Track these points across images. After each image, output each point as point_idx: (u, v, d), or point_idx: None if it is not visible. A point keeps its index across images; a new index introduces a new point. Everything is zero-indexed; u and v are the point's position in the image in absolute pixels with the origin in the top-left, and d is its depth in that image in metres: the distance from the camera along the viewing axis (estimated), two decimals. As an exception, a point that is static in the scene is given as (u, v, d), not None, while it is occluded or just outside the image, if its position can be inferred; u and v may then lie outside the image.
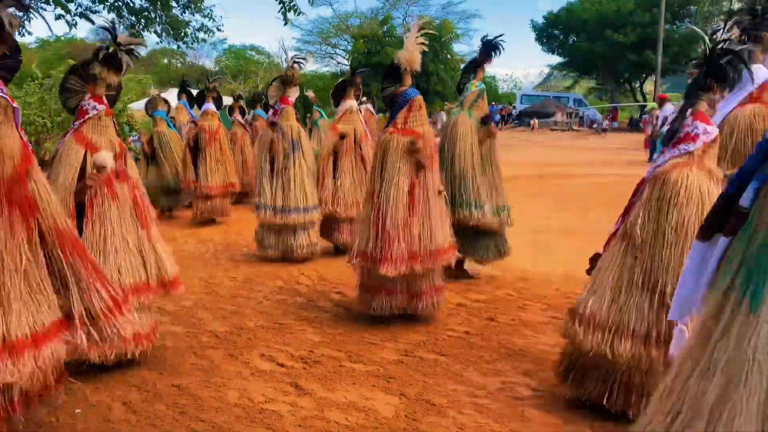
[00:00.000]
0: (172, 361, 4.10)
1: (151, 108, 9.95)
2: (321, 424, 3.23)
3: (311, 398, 3.53)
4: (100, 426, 3.24)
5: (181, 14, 8.07)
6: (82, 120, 3.93)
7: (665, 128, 13.79)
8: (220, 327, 4.78)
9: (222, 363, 4.06)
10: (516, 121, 40.28)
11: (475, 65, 5.84)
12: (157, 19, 7.77)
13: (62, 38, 38.48)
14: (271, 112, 7.41)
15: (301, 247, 6.74)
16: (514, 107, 42.40)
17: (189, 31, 8.28)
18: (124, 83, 8.97)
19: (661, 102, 16.01)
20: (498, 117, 41.54)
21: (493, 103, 41.99)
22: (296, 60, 6.88)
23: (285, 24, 7.31)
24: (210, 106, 8.89)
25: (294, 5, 7.06)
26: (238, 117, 10.99)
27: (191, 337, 4.56)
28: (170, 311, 5.19)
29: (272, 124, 6.84)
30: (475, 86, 5.76)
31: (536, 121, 33.32)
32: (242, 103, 11.63)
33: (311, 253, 6.85)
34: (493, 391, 3.59)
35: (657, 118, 17.21)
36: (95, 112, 3.91)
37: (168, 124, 10.01)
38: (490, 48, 5.71)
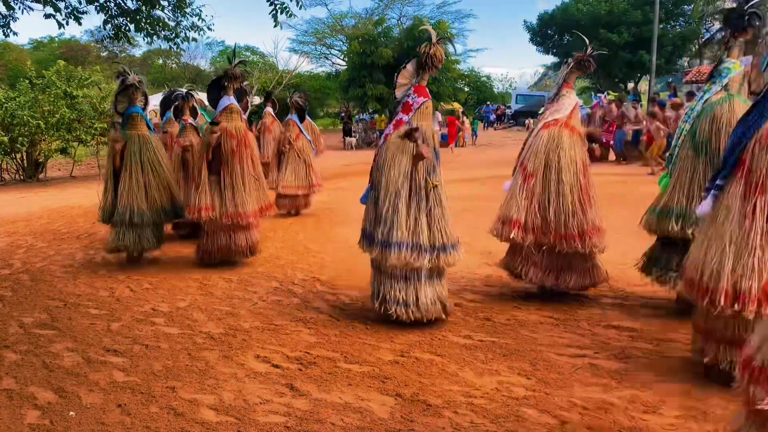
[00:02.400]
0: (166, 362, 4.09)
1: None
2: (316, 425, 3.23)
3: (307, 399, 3.52)
4: (95, 428, 3.22)
5: (173, 14, 8.02)
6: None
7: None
8: (215, 328, 4.76)
9: (217, 364, 4.05)
10: (511, 121, 40.32)
11: (727, 40, 4.66)
12: (145, 20, 7.72)
13: (56, 39, 38.43)
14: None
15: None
16: (509, 107, 42.44)
17: (179, 31, 8.22)
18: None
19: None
20: (493, 117, 41.61)
21: (488, 102, 42.07)
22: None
23: (275, 26, 7.26)
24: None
25: (285, 7, 7.02)
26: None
27: (186, 339, 4.54)
28: (165, 312, 5.18)
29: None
30: (738, 66, 4.65)
31: (531, 120, 33.37)
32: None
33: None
34: (489, 392, 3.59)
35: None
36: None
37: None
38: (740, 18, 4.47)
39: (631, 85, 17.35)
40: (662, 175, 5.06)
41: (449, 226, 4.65)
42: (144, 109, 7.06)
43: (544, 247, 5.05)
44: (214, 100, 6.63)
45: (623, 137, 16.53)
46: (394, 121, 4.73)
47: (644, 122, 15.52)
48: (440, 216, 4.61)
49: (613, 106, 17.22)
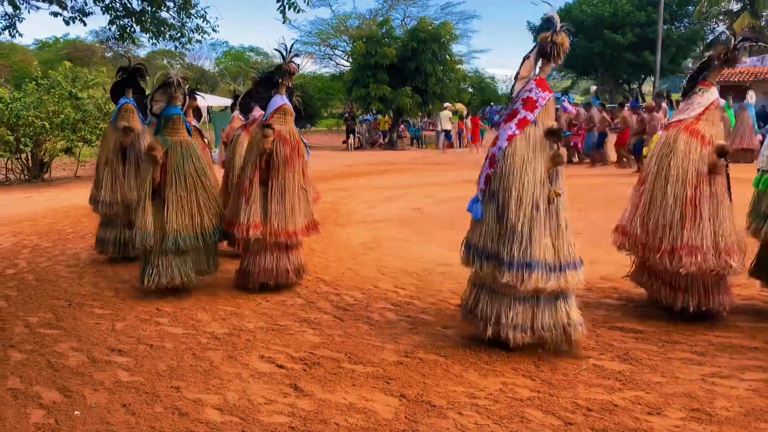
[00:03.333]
0: (171, 362, 4.10)
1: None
2: (321, 425, 3.23)
3: (311, 400, 3.53)
4: (99, 428, 3.23)
5: (177, 15, 8.04)
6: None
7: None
8: (219, 328, 4.77)
9: (221, 364, 4.06)
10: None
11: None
12: (150, 21, 7.74)
13: (61, 40, 38.58)
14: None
15: None
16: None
17: (184, 32, 8.24)
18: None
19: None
20: (497, 117, 41.55)
21: (492, 104, 42.03)
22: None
23: (284, 22, 7.25)
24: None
25: (293, 3, 7.02)
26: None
27: (190, 339, 4.55)
28: (169, 312, 5.19)
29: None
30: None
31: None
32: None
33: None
34: (493, 392, 3.59)
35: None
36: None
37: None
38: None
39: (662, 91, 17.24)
40: (758, 176, 4.84)
41: (572, 240, 4.13)
42: (185, 112, 6.89)
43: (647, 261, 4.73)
44: (263, 99, 5.85)
45: (592, 140, 16.63)
46: (517, 120, 4.09)
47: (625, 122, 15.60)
48: (564, 229, 4.09)
49: (581, 109, 17.35)
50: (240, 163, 6.14)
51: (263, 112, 6.81)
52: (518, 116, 4.10)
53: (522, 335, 4.03)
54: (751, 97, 16.77)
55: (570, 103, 18.87)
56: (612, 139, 16.70)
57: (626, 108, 16.04)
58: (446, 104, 26.83)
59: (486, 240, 4.08)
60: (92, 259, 7.25)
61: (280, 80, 5.73)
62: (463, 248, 4.29)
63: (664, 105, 14.43)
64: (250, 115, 7.09)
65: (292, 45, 5.80)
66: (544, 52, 4.14)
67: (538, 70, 4.21)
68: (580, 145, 17.26)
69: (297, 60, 5.82)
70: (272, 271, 5.66)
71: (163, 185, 5.47)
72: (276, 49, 5.89)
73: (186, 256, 5.53)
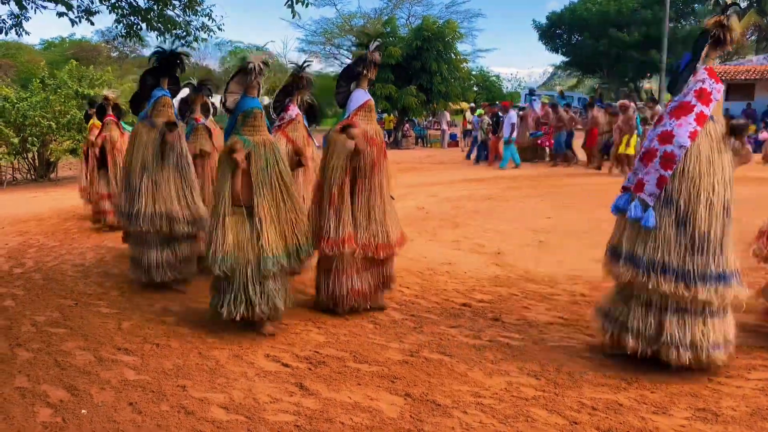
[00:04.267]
0: (177, 361, 4.11)
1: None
2: (326, 424, 3.24)
3: (316, 398, 3.54)
4: (106, 426, 3.25)
5: (183, 13, 8.06)
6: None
7: (514, 134, 13.84)
8: (225, 327, 4.78)
9: (227, 363, 4.07)
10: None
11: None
12: (157, 19, 7.75)
13: (67, 40, 38.71)
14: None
15: None
16: (517, 106, 42.32)
17: (190, 30, 8.26)
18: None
19: (505, 109, 16.32)
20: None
21: (497, 102, 41.97)
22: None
23: (293, 17, 7.26)
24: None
25: None
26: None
27: (196, 337, 4.56)
28: (175, 311, 5.21)
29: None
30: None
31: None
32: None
33: None
34: (498, 392, 3.59)
35: (488, 124, 17.69)
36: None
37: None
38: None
39: (647, 85, 17.26)
40: None
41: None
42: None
43: None
44: (343, 95, 5.14)
45: (561, 139, 16.69)
46: (694, 115, 3.65)
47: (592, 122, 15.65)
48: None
49: (549, 108, 17.42)
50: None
51: (299, 112, 6.32)
52: (694, 110, 3.66)
53: (681, 353, 3.63)
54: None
55: (539, 102, 19.02)
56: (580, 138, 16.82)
57: (595, 107, 16.07)
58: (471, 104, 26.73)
59: (662, 251, 3.63)
60: (98, 259, 7.28)
61: (364, 72, 5.03)
62: (612, 257, 3.92)
63: (633, 105, 14.51)
64: (285, 115, 6.35)
65: (378, 33, 5.31)
66: (714, 36, 3.74)
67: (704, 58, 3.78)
68: (547, 144, 17.39)
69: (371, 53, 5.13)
70: (366, 292, 5.01)
71: (246, 195, 4.54)
72: (362, 32, 5.53)
73: (273, 282, 4.54)
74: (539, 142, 17.54)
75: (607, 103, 18.18)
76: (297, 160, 5.93)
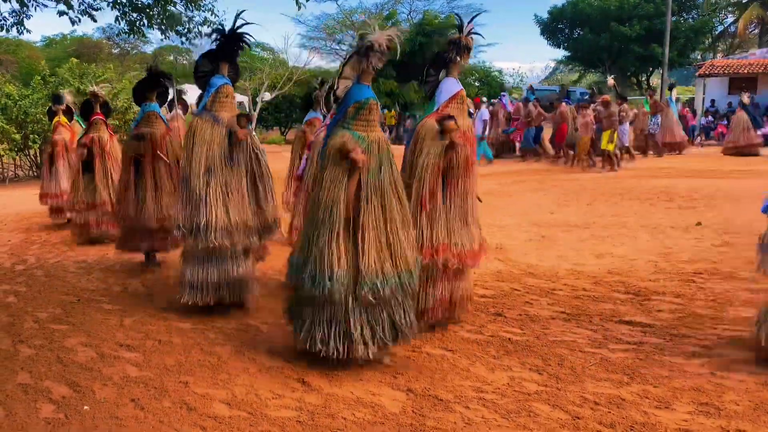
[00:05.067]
0: (179, 357, 4.11)
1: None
2: (328, 419, 3.24)
3: (318, 394, 3.54)
4: (108, 422, 3.25)
5: (185, 9, 8.04)
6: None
7: (486, 131, 13.67)
8: (227, 323, 4.78)
9: (229, 359, 4.07)
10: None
11: None
12: (158, 16, 7.74)
13: (68, 36, 38.67)
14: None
15: None
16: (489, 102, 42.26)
17: (191, 27, 8.25)
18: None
19: (476, 105, 16.30)
20: (512, 108, 41.42)
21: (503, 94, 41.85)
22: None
23: (299, 9, 7.26)
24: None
25: None
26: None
27: (198, 334, 4.57)
28: (177, 308, 5.20)
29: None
30: None
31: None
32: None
33: None
34: (500, 387, 3.59)
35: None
36: None
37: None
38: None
39: (611, 81, 17.36)
40: None
41: None
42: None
43: None
44: (432, 84, 4.53)
45: (530, 135, 16.71)
46: None
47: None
48: None
49: (520, 105, 17.44)
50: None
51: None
52: None
53: None
54: (674, 93, 18.16)
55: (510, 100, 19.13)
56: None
57: (563, 103, 16.08)
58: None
59: None
60: (100, 255, 7.29)
61: (457, 58, 4.38)
62: (764, 253, 3.73)
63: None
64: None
65: (475, 15, 4.56)
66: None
67: None
68: (518, 140, 17.49)
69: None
70: (448, 303, 4.49)
71: (352, 202, 3.75)
72: (455, 15, 4.70)
73: (383, 309, 3.76)
74: (511, 137, 17.62)
75: (536, 98, 18.18)
76: None
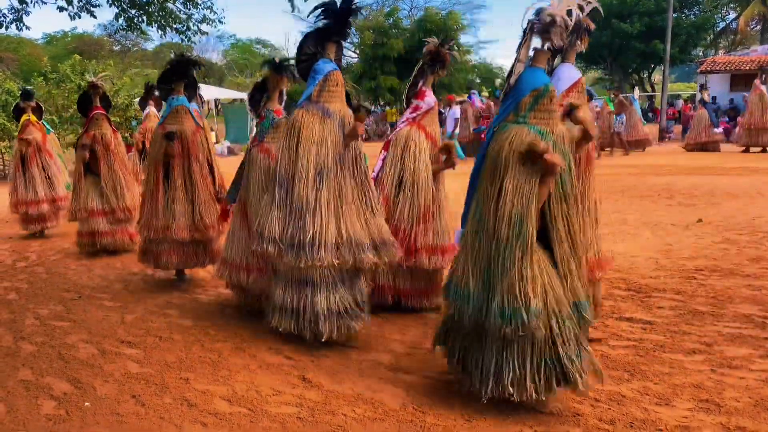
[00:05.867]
0: (180, 354, 4.12)
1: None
2: (328, 416, 3.24)
3: (319, 391, 3.54)
4: (110, 419, 3.26)
5: (184, 6, 8.05)
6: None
7: (457, 130, 13.54)
8: (228, 320, 4.79)
9: (230, 356, 4.08)
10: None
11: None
12: (157, 12, 7.74)
13: (69, 34, 38.68)
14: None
15: None
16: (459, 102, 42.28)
17: (191, 24, 8.25)
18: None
19: (449, 103, 16.24)
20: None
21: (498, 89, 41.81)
22: None
23: (293, 10, 7.26)
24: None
25: None
26: None
27: (199, 330, 4.57)
28: (177, 304, 5.22)
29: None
30: None
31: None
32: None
33: None
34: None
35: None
36: None
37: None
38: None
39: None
40: None
41: None
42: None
43: None
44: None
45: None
46: None
47: None
48: None
49: (490, 102, 17.42)
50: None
51: (436, 99, 4.96)
52: None
53: None
54: (636, 93, 19.45)
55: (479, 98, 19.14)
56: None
57: None
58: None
59: None
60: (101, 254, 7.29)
61: (576, 42, 3.87)
62: None
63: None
64: (420, 102, 4.90)
65: None
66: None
67: None
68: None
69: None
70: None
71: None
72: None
73: (572, 344, 3.09)
74: (482, 136, 17.62)
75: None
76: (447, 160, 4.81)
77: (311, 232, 3.86)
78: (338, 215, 3.97)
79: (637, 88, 19.16)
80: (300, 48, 4.19)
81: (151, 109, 9.31)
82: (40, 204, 8.20)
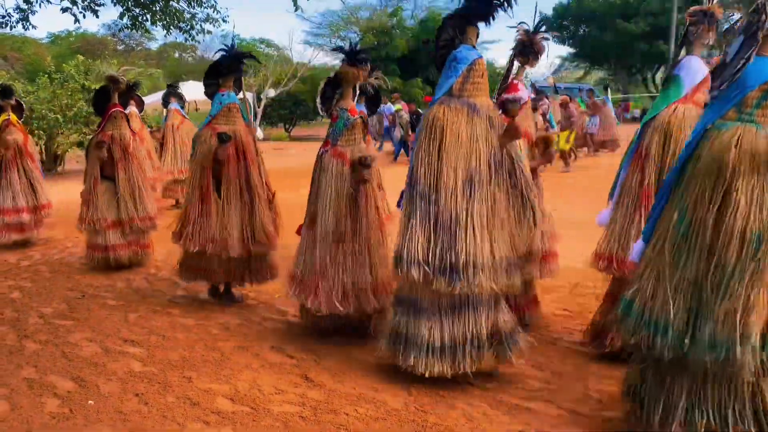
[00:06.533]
0: (183, 353, 4.13)
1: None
2: (331, 415, 3.25)
3: (321, 390, 3.55)
4: (113, 417, 3.27)
5: (188, 5, 8.08)
6: None
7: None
8: (230, 319, 4.80)
9: (232, 355, 4.09)
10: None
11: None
12: (161, 12, 7.77)
13: (73, 33, 38.77)
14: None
15: None
16: None
17: (194, 23, 8.27)
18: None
19: (426, 105, 16.24)
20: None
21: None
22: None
23: (296, 10, 7.27)
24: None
25: None
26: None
27: (202, 329, 4.59)
28: (181, 303, 5.23)
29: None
30: None
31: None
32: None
33: None
34: (503, 384, 3.59)
35: (407, 121, 17.90)
36: None
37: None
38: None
39: (550, 80, 18.07)
40: None
41: None
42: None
43: None
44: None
45: None
46: None
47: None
48: None
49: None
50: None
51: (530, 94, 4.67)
52: None
53: None
54: (608, 92, 19.44)
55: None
56: None
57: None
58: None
59: None
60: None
61: (707, 30, 3.64)
62: None
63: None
64: (516, 95, 4.40)
65: None
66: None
67: None
68: None
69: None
70: None
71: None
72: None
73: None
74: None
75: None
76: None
77: (464, 252, 3.27)
78: (491, 231, 3.36)
79: (609, 89, 19.14)
80: (439, 34, 3.63)
81: (132, 109, 8.48)
82: (21, 213, 7.39)
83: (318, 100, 4.28)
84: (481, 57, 3.55)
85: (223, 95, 4.97)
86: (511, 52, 4.42)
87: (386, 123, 15.56)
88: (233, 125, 4.94)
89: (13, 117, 7.53)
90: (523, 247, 3.51)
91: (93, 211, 6.23)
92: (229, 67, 4.94)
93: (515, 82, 4.38)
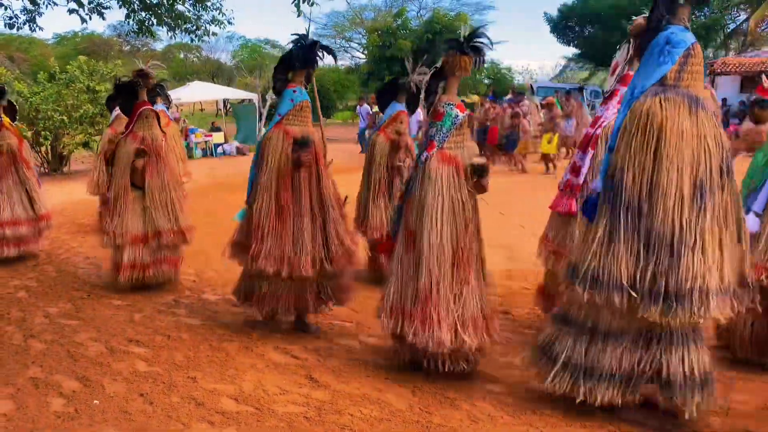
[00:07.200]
0: (188, 353, 4.14)
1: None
2: (335, 416, 3.25)
3: (325, 390, 3.55)
4: (118, 417, 3.28)
5: (193, 8, 8.09)
6: None
7: (420, 132, 13.17)
8: (235, 319, 4.81)
9: (237, 355, 4.10)
10: (531, 113, 39.92)
11: None
12: (167, 14, 7.79)
13: (79, 34, 38.90)
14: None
15: None
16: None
17: (200, 24, 8.29)
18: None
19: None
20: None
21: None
22: None
23: (298, 16, 7.26)
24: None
25: None
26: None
27: (207, 330, 4.60)
28: (186, 304, 5.24)
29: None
30: None
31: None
32: None
33: None
34: (508, 385, 3.59)
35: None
36: None
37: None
38: None
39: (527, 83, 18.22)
40: None
41: None
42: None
43: None
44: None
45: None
46: None
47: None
48: None
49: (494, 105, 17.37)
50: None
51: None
52: None
53: None
54: (586, 95, 19.93)
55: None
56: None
57: (488, 102, 15.90)
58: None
59: None
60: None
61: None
62: None
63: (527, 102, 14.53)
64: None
65: None
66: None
67: None
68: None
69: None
70: None
71: None
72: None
73: None
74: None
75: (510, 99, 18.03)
76: None
77: (690, 275, 2.77)
78: (723, 250, 2.86)
79: (585, 90, 19.29)
80: (650, 14, 3.16)
81: (160, 107, 7.90)
82: (18, 225, 6.67)
83: (422, 95, 3.74)
84: (696, 42, 3.06)
85: (294, 92, 4.37)
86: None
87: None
88: (305, 125, 4.41)
89: (6, 120, 6.83)
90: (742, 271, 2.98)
91: (121, 224, 5.48)
92: (303, 60, 4.35)
93: (630, 72, 3.95)
